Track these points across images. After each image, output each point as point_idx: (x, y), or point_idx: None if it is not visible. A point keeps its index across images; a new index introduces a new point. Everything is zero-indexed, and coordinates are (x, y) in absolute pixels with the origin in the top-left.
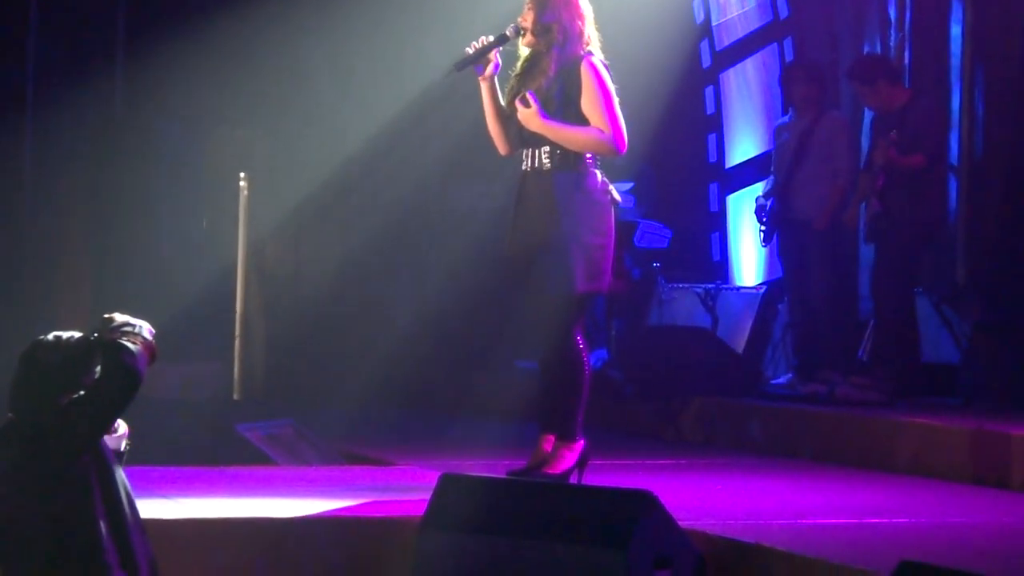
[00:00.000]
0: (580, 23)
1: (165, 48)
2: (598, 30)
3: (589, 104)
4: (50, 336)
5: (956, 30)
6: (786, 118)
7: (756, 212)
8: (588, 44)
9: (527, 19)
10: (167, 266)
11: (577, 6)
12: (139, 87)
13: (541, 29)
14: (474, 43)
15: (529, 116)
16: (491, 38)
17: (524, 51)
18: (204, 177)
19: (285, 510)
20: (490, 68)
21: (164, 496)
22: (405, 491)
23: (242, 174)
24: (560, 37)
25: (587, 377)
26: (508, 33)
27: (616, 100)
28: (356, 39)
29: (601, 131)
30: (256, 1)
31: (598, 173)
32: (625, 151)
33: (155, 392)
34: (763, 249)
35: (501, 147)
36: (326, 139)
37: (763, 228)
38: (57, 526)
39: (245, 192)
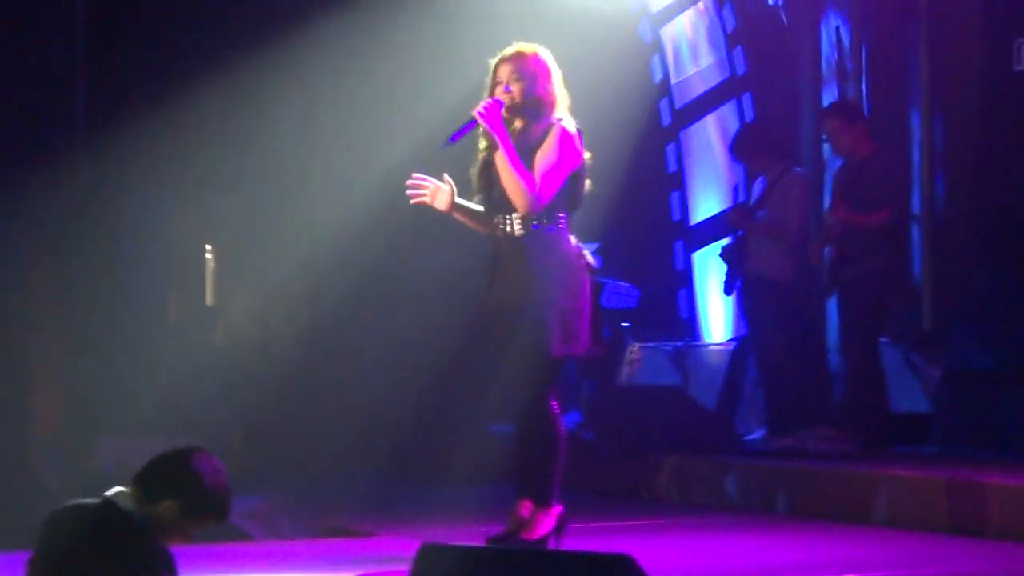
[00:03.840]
0: (559, 89)
1: (130, 118)
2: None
3: (539, 158)
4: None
5: (914, 82)
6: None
7: (720, 255)
8: (565, 112)
9: (515, 89)
10: (138, 338)
11: (551, 72)
12: (103, 158)
13: (533, 102)
14: (475, 111)
15: (490, 112)
16: (481, 109)
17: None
18: (171, 246)
19: None
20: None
21: None
22: (386, 562)
23: (208, 245)
24: (549, 110)
25: (562, 442)
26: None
27: (568, 170)
28: (322, 106)
29: (532, 182)
30: (221, 69)
31: (572, 237)
32: (534, 211)
33: (128, 468)
34: (731, 305)
35: (479, 229)
36: (294, 207)
37: (727, 276)
38: None
39: (211, 263)
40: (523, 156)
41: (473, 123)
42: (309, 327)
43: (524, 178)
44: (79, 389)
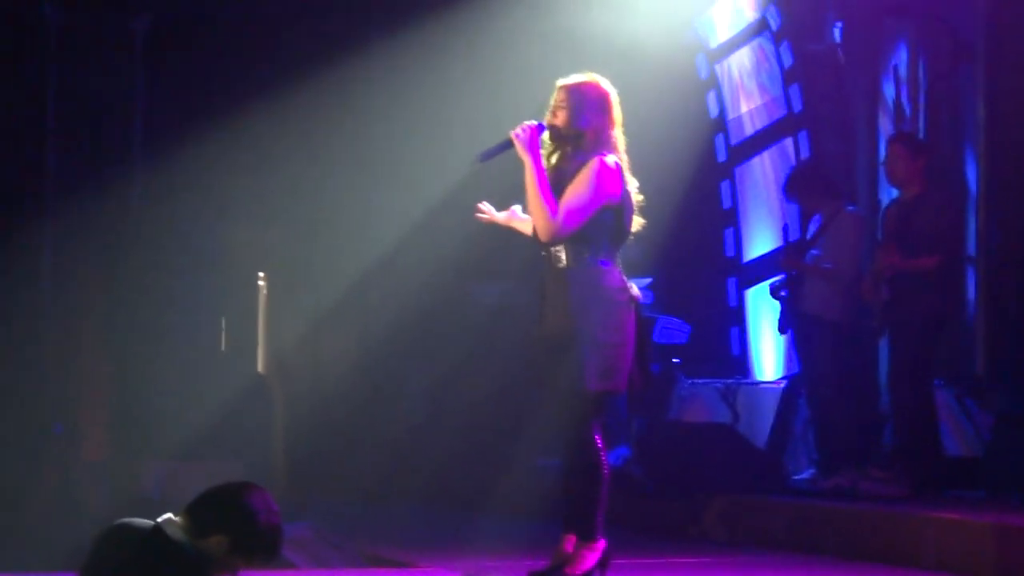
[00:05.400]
0: (611, 131)
1: (183, 145)
2: (624, 133)
3: (570, 188)
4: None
5: (971, 123)
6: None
7: (771, 292)
8: (613, 150)
9: (559, 117)
10: (186, 364)
11: (611, 112)
12: (157, 185)
13: (573, 133)
14: (512, 132)
15: (522, 141)
16: (519, 131)
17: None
18: (223, 274)
19: None
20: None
21: None
22: None
23: (261, 273)
24: (590, 145)
25: (605, 477)
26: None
27: (601, 203)
28: (374, 138)
29: (555, 210)
30: (275, 100)
31: (616, 271)
32: (554, 239)
33: (173, 493)
34: (782, 343)
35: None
36: (344, 237)
37: (781, 314)
38: None
39: (264, 291)
40: (555, 186)
41: (508, 144)
42: (357, 357)
43: (548, 203)
44: (126, 413)
